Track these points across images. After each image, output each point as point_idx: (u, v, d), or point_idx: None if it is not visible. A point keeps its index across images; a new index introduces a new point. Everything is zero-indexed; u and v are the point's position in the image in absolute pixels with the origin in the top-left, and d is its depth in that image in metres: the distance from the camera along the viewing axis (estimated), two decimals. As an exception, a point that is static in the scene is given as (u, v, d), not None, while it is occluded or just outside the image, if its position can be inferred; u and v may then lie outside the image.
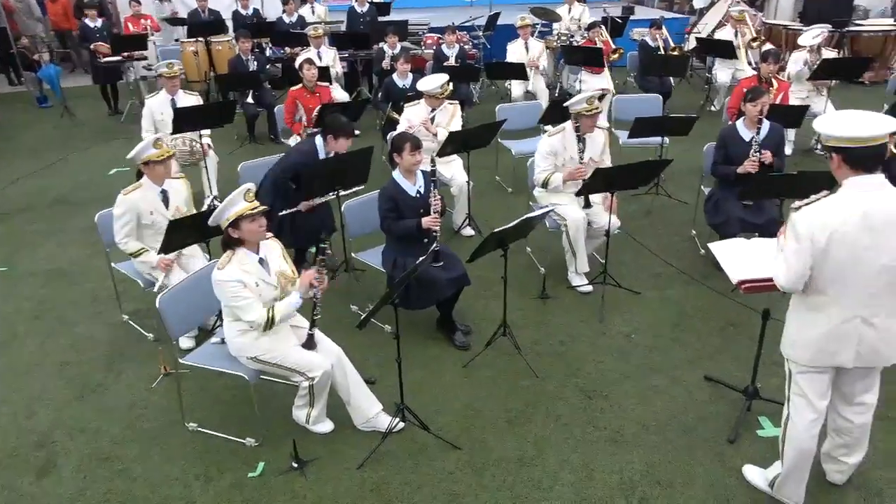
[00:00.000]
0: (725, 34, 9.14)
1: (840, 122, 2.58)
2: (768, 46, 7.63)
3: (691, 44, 10.41)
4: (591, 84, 8.50)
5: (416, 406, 3.68)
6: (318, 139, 4.82)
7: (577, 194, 4.58)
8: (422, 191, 4.21)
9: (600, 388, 3.91)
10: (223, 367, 3.48)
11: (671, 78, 8.66)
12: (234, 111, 6.44)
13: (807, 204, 2.61)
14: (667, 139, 6.38)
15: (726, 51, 8.52)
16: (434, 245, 4.09)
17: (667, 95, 8.81)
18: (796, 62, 7.42)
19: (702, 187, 5.49)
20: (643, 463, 3.36)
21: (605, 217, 4.69)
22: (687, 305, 4.71)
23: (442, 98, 5.66)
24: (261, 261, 3.36)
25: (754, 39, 9.05)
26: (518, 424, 3.64)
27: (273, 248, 3.48)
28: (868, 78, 10.04)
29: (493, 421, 3.67)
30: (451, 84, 5.92)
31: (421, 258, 3.43)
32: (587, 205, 4.76)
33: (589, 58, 8.33)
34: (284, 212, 4.69)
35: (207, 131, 6.11)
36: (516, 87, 8.59)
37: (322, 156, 4.77)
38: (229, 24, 10.49)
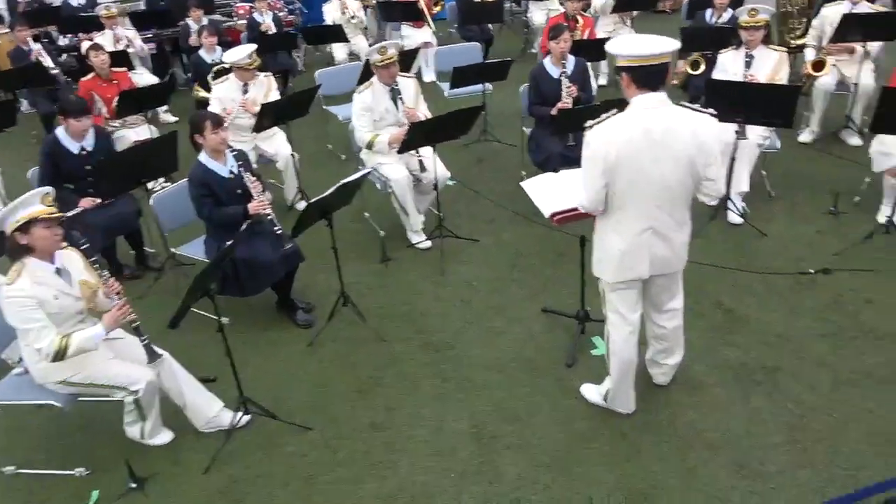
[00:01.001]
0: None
1: (627, 43, 2.70)
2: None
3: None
4: (413, 38, 8.46)
5: (262, 394, 3.56)
6: (60, 128, 4.43)
7: (399, 152, 4.54)
8: (234, 171, 3.98)
9: (446, 340, 3.97)
10: (31, 399, 3.14)
11: (490, 25, 8.78)
12: (15, 112, 5.74)
13: (597, 123, 2.73)
14: (489, 85, 6.50)
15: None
16: (276, 228, 3.93)
17: (489, 42, 8.99)
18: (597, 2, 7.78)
19: (524, 128, 5.66)
20: (491, 404, 3.47)
21: (431, 173, 4.70)
22: (522, 245, 4.88)
23: (252, 69, 5.36)
24: (58, 270, 3.02)
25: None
26: (368, 392, 3.62)
27: (72, 258, 3.15)
28: (668, 6, 10.76)
29: (344, 394, 3.63)
30: (276, 55, 5.59)
31: (229, 243, 3.22)
32: (422, 168, 4.74)
33: (407, 12, 8.25)
34: (67, 214, 4.25)
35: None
36: (338, 49, 8.36)
37: (67, 143, 4.39)
38: (5, 14, 9.31)
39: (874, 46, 5.76)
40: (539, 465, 3.09)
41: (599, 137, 2.69)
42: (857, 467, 2.93)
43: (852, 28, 5.45)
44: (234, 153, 3.95)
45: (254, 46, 5.50)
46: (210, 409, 3.39)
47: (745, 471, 2.97)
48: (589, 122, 2.74)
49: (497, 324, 4.07)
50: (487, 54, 8.85)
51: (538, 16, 9.02)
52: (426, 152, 4.70)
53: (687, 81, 6.42)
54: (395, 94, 4.72)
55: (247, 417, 3.42)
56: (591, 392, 3.41)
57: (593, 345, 3.79)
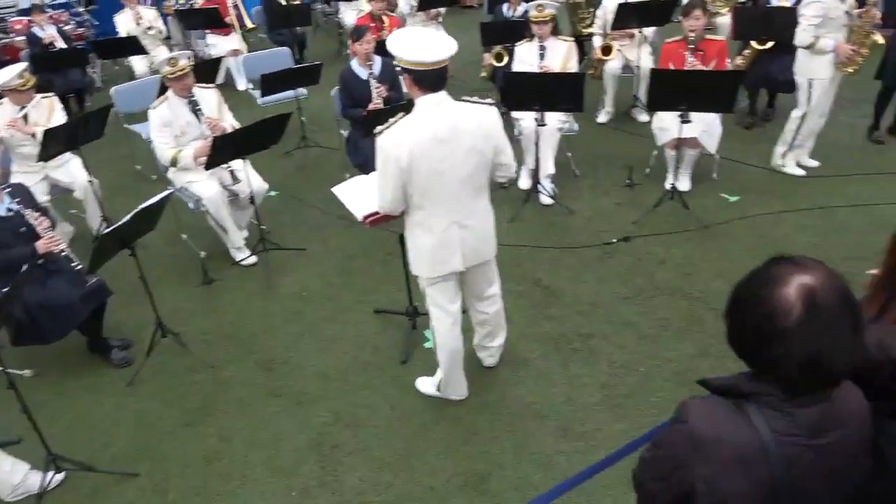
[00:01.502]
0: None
1: (408, 47, 2.72)
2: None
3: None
4: (221, 47, 8.15)
5: (80, 446, 3.28)
6: None
7: (207, 167, 4.34)
8: (12, 208, 3.59)
9: (279, 356, 3.88)
10: None
11: (298, 28, 8.64)
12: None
13: (387, 128, 2.78)
14: (303, 90, 6.41)
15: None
16: (75, 264, 3.59)
17: (302, 46, 8.86)
18: (404, -3, 7.93)
19: (341, 132, 5.65)
20: (329, 413, 3.45)
21: (246, 186, 4.55)
22: (350, 248, 4.88)
23: (27, 91, 4.84)
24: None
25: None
26: (198, 424, 3.45)
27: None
28: (475, 0, 11.23)
29: (171, 430, 3.42)
30: (66, 73, 5.08)
31: (5, 290, 2.89)
32: (235, 181, 4.56)
33: (209, 20, 7.89)
34: None
35: None
36: (137, 63, 7.83)
37: None
38: None
39: (649, 31, 6.40)
40: (381, 466, 3.13)
41: (390, 141, 2.74)
42: (662, 412, 3.26)
43: (629, 15, 6.02)
44: (9, 189, 3.57)
45: (23, 65, 4.95)
46: (14, 476, 3.05)
47: (568, 434, 3.20)
48: (378, 128, 2.78)
49: (331, 331, 4.05)
50: (302, 58, 8.73)
51: (349, 16, 9.02)
52: (238, 165, 4.54)
53: (494, 73, 6.74)
54: (193, 107, 4.50)
55: (60, 476, 3.12)
56: (426, 384, 3.50)
57: (425, 338, 3.89)
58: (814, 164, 5.40)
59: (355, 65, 5.14)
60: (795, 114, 5.13)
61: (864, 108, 5.85)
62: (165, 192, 3.68)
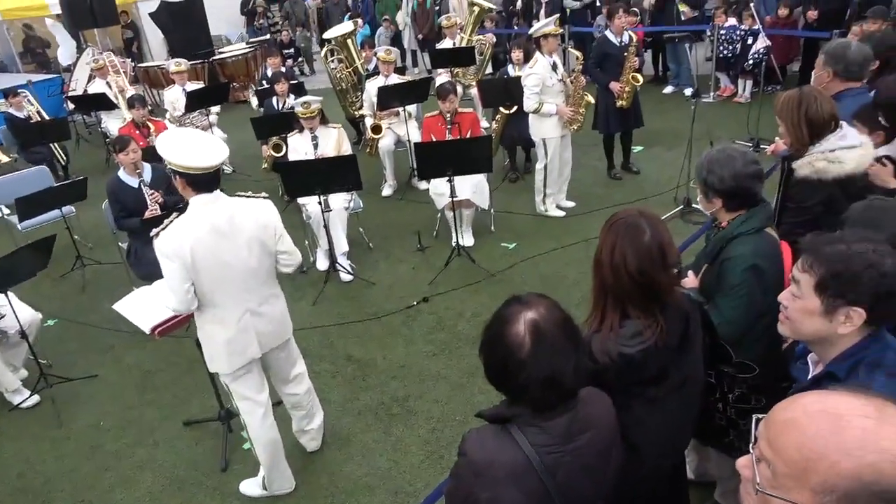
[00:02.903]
0: (98, 87, 9.00)
1: (179, 151, 2.77)
2: (131, 93, 7.84)
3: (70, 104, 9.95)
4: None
5: None
6: None
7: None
8: None
9: (83, 498, 3.52)
10: None
11: (54, 145, 8.10)
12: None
13: (163, 229, 2.79)
14: (71, 208, 6.01)
15: (104, 103, 8.42)
16: None
17: (62, 161, 8.32)
18: (170, 100, 7.86)
19: (120, 244, 5.39)
20: (148, 545, 3.20)
21: (12, 321, 4.13)
22: (149, 363, 4.62)
23: None
24: None
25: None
26: None
27: None
28: (245, 95, 11.37)
29: None
30: None
31: None
32: None
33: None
34: None
35: None
36: None
37: None
38: None
39: (412, 108, 6.99)
40: (214, 584, 2.96)
41: (169, 241, 2.76)
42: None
43: (390, 96, 6.55)
44: None
45: None
46: None
47: (399, 496, 3.30)
48: (154, 231, 2.78)
49: (139, 457, 3.77)
50: (67, 172, 8.19)
51: (113, 125, 8.66)
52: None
53: (275, 163, 6.88)
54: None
55: None
56: (251, 487, 3.40)
57: (243, 439, 3.77)
58: (570, 204, 6.22)
59: (123, 174, 4.99)
60: (538, 166, 5.95)
61: (600, 151, 6.88)
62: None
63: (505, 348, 1.49)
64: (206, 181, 2.82)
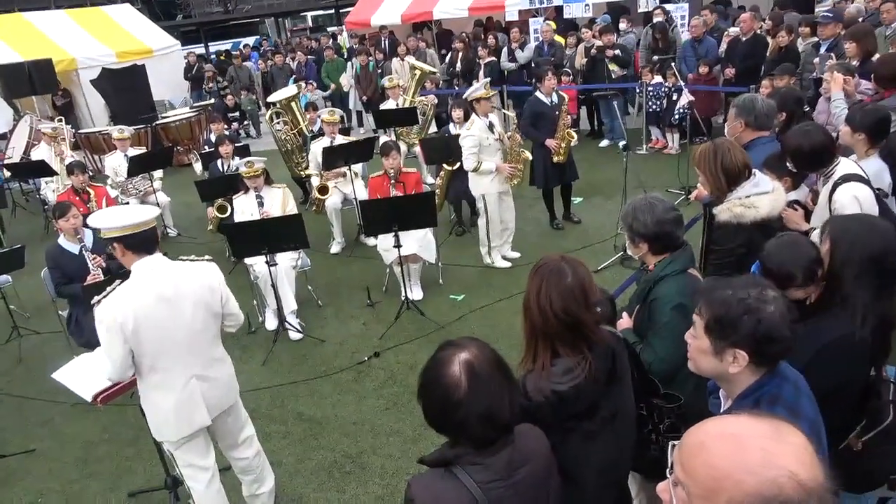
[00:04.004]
0: (42, 153, 8.87)
1: (110, 218, 2.86)
2: (70, 159, 7.78)
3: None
4: None
5: None
6: None
7: None
8: None
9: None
10: None
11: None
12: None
13: (104, 297, 2.79)
14: (7, 277, 5.85)
15: (44, 170, 8.30)
16: None
17: (-2, 230, 8.12)
18: (111, 166, 7.82)
19: (59, 312, 5.26)
20: None
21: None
22: (91, 434, 4.47)
23: None
24: None
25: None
26: None
27: None
28: (188, 158, 11.37)
29: None
30: None
31: None
32: None
33: None
34: None
35: None
36: None
37: None
38: None
39: (358, 167, 7.14)
40: None
41: (111, 311, 2.75)
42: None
43: (335, 156, 6.68)
44: None
45: None
46: None
47: (355, 556, 3.25)
48: (95, 299, 2.78)
49: (79, 535, 3.62)
50: (2, 241, 7.97)
51: (50, 193, 8.54)
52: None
53: (220, 225, 6.88)
54: None
55: None
56: (198, 556, 3.30)
57: (192, 506, 3.68)
58: (515, 255, 6.39)
59: (63, 241, 4.93)
60: (481, 222, 6.17)
61: (542, 204, 7.12)
62: None
63: (442, 389, 1.58)
64: (144, 242, 2.84)
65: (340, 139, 7.02)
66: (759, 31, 8.70)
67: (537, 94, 6.61)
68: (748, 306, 1.69)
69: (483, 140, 5.71)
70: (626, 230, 2.55)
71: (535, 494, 1.67)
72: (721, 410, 1.84)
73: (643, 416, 2.13)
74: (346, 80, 12.42)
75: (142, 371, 2.88)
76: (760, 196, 2.97)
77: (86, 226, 4.97)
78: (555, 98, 6.51)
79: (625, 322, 2.60)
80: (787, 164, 3.37)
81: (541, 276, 1.96)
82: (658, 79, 9.10)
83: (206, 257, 3.07)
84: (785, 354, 1.74)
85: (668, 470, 1.21)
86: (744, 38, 8.58)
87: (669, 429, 2.09)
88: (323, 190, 6.92)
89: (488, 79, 6.51)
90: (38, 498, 3.94)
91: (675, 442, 1.20)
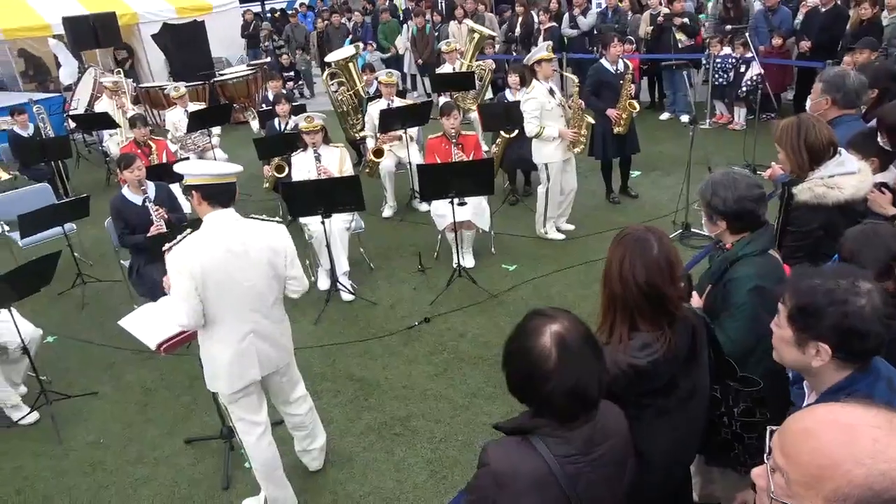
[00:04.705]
0: (104, 106, 9.07)
1: (196, 166, 2.92)
2: (132, 112, 7.92)
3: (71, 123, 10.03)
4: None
5: None
6: None
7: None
8: None
9: (80, 516, 3.51)
10: None
11: (61, 161, 8.15)
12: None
13: (175, 244, 2.84)
14: (72, 225, 6.04)
15: (107, 122, 8.49)
16: None
17: (63, 179, 8.36)
18: (171, 121, 7.95)
19: (121, 262, 5.41)
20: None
21: (11, 336, 4.13)
22: (149, 381, 4.62)
23: None
24: None
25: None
26: None
27: None
28: (247, 116, 11.48)
29: None
30: None
31: None
32: None
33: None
34: None
35: None
36: None
37: None
38: None
39: (414, 131, 7.09)
40: None
41: (181, 257, 2.79)
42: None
43: (392, 119, 6.63)
44: None
45: None
46: None
47: (403, 516, 3.30)
48: (166, 246, 2.83)
49: (139, 475, 3.77)
50: (66, 192, 8.22)
51: (113, 145, 8.74)
52: (1, 314, 4.14)
53: (276, 184, 6.94)
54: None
55: None
56: (252, 504, 3.40)
57: (245, 457, 3.76)
58: (570, 227, 6.28)
59: (127, 192, 5.03)
60: (540, 190, 6.01)
61: (599, 176, 6.96)
62: None
63: (531, 360, 1.54)
64: (222, 194, 2.88)
65: (398, 102, 6.96)
66: (839, 2, 8.22)
67: (602, 61, 6.40)
68: (835, 297, 1.59)
69: (545, 104, 5.56)
70: (704, 206, 2.44)
71: (612, 473, 1.64)
72: (805, 403, 1.76)
73: (716, 398, 2.06)
74: (402, 42, 12.29)
75: (206, 319, 2.92)
76: (845, 176, 2.81)
77: (148, 178, 5.07)
78: (620, 66, 6.30)
79: (695, 301, 2.51)
80: (881, 142, 3.17)
81: (625, 245, 1.90)
82: (727, 50, 8.72)
83: (277, 219, 3.09)
84: (877, 351, 1.64)
85: (765, 455, 1.16)
86: (823, 9, 8.12)
87: (744, 413, 2.02)
88: (378, 153, 6.89)
89: (550, 42, 6.29)
90: (101, 438, 4.10)
91: (774, 427, 1.16)
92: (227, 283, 2.86)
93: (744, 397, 2.03)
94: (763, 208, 2.39)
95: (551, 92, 5.65)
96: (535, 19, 10.87)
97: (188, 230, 2.90)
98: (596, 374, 1.56)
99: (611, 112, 6.29)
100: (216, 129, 8.08)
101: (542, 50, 5.69)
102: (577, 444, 1.57)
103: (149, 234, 4.86)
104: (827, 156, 2.86)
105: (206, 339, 3.01)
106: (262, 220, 3.04)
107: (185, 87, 8.86)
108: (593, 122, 6.07)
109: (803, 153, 2.87)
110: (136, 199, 4.99)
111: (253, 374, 3.03)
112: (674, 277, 1.85)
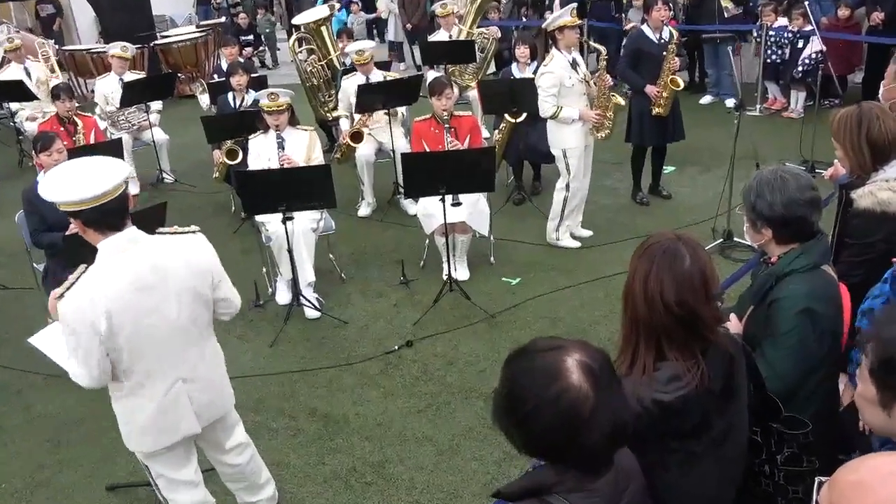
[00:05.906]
0: (13, 73, 9.08)
1: (62, 187, 2.65)
2: (56, 81, 7.93)
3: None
4: None
5: None
6: None
7: None
8: None
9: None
10: None
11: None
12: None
13: (67, 289, 2.66)
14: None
15: (19, 93, 8.50)
16: None
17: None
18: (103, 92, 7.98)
19: (34, 265, 5.43)
20: None
21: None
22: (66, 413, 4.61)
23: None
24: None
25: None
26: None
27: None
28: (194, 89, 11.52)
29: None
30: None
31: None
32: None
33: None
34: None
35: None
36: None
37: None
38: None
39: (399, 110, 7.13)
40: None
41: (78, 305, 2.64)
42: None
43: (372, 97, 6.68)
44: None
45: None
46: None
47: (373, 584, 3.31)
48: (57, 292, 2.69)
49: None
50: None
51: (30, 124, 8.75)
52: None
53: (228, 173, 6.96)
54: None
55: None
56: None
57: None
58: (587, 233, 6.33)
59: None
60: (559, 185, 6.04)
61: (622, 171, 7.03)
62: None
63: (564, 409, 1.47)
64: (110, 215, 2.67)
65: (379, 76, 7.01)
66: (920, -33, 8.34)
67: (643, 27, 6.46)
68: None
69: (564, 80, 5.59)
70: (747, 210, 2.48)
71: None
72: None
73: (756, 442, 2.09)
74: (386, 3, 12.37)
75: (115, 374, 2.84)
76: (917, 180, 2.86)
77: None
78: (664, 34, 6.36)
79: (733, 325, 2.54)
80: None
81: (650, 257, 1.92)
82: (782, 21, 8.81)
83: (193, 228, 3.00)
84: None
85: None
86: (900, -25, 8.24)
87: (789, 460, 2.04)
88: (356, 136, 6.89)
89: (575, 3, 6.26)
90: (1, 483, 4.09)
91: (823, 479, 1.19)
92: (143, 328, 2.74)
93: (789, 442, 2.05)
94: (816, 215, 2.42)
95: (573, 65, 5.68)
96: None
97: (81, 267, 2.71)
98: (625, 405, 1.58)
99: (650, 89, 6.34)
100: (156, 105, 8.11)
101: (565, 14, 5.72)
102: (603, 494, 1.56)
103: (67, 234, 4.85)
104: (893, 154, 2.90)
105: (117, 392, 2.93)
106: (174, 233, 2.94)
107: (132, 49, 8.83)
108: (622, 102, 6.06)
109: (865, 151, 2.92)
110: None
111: (188, 426, 2.97)
112: (709, 295, 1.88)
